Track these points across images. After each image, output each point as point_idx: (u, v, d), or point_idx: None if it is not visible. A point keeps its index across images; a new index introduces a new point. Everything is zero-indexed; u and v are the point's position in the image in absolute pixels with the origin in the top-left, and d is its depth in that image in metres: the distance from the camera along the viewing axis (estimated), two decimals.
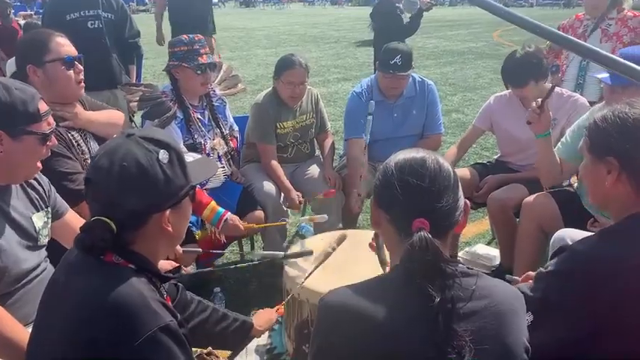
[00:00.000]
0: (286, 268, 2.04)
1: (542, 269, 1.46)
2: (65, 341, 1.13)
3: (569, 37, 1.10)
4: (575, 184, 2.67)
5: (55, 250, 1.74)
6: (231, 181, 2.97)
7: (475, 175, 3.06)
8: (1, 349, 1.45)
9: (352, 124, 3.21)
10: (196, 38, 2.80)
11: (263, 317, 1.93)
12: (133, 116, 3.91)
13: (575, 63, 3.61)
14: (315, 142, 3.41)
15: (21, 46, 2.33)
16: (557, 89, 2.95)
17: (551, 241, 2.18)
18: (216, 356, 1.82)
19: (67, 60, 2.16)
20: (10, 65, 4.37)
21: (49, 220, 1.81)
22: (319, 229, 2.88)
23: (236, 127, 3.13)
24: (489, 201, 2.84)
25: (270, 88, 3.19)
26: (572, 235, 2.04)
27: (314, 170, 3.21)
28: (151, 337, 1.10)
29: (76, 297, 1.15)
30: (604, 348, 1.30)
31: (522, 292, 1.28)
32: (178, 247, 2.17)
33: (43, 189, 1.80)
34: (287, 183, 3.02)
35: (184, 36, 2.84)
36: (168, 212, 1.22)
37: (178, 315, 1.22)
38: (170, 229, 1.23)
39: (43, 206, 1.78)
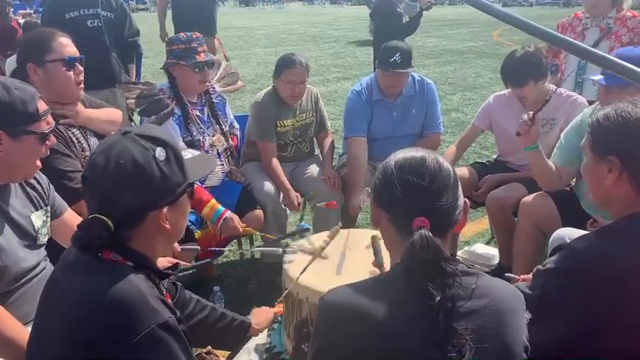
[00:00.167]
0: (285, 266, 2.04)
1: (540, 267, 1.46)
2: (63, 341, 1.13)
3: (566, 37, 1.10)
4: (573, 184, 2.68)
5: (54, 249, 1.74)
6: (231, 180, 2.97)
7: (474, 175, 3.06)
8: (0, 348, 1.45)
9: (352, 122, 3.21)
10: (194, 36, 2.79)
11: (260, 316, 1.93)
12: (132, 115, 3.91)
13: (573, 62, 3.61)
14: (315, 141, 3.41)
15: (24, 44, 2.34)
16: (556, 89, 2.96)
17: (550, 240, 2.18)
18: (216, 355, 1.82)
19: (68, 60, 2.16)
20: (10, 64, 4.37)
21: (48, 219, 1.81)
22: (318, 229, 2.88)
23: (236, 125, 3.13)
24: (488, 200, 2.84)
25: (270, 87, 3.19)
26: (570, 234, 2.04)
27: (313, 169, 3.21)
28: (150, 333, 1.09)
29: (74, 296, 1.15)
30: (604, 347, 1.31)
31: (521, 292, 1.28)
32: (177, 245, 2.17)
33: (42, 188, 1.80)
34: (287, 183, 3.01)
35: (182, 34, 2.83)
36: (165, 209, 1.22)
37: (177, 311, 1.22)
38: (168, 226, 1.23)
39: (42, 205, 1.78)
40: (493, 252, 3.13)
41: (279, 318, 2.07)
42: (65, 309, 1.15)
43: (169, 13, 5.78)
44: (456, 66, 10.94)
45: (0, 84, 1.56)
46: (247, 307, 2.07)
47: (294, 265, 2.01)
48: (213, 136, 2.88)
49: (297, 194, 3.00)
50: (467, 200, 1.23)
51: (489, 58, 11.74)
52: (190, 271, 2.62)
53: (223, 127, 2.95)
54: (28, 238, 1.70)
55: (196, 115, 2.83)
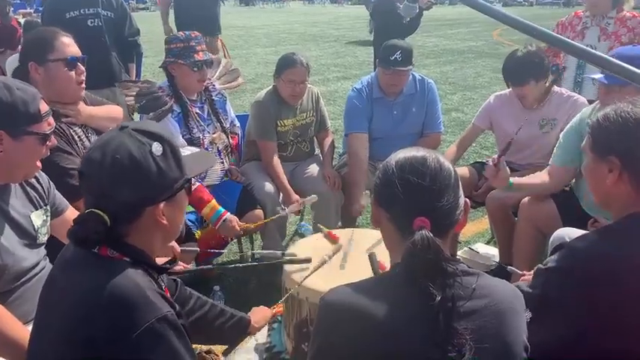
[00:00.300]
0: (285, 266, 2.04)
1: (540, 265, 1.46)
2: (63, 340, 1.13)
3: (564, 38, 1.09)
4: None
5: (54, 247, 1.74)
6: (231, 180, 2.97)
7: (474, 174, 3.07)
8: (1, 347, 1.45)
9: (353, 119, 3.21)
10: (193, 35, 2.78)
11: (258, 314, 1.94)
12: (133, 114, 3.91)
13: (573, 62, 3.60)
14: (315, 141, 3.41)
15: (26, 43, 2.34)
16: (557, 89, 2.96)
17: (550, 240, 2.18)
18: (216, 355, 1.82)
19: (69, 60, 2.16)
20: (10, 63, 4.37)
21: (48, 219, 1.81)
22: (318, 229, 2.88)
23: (237, 123, 3.13)
24: (488, 200, 2.84)
25: (270, 87, 3.19)
26: (571, 234, 2.04)
27: (313, 169, 3.21)
28: (149, 328, 1.09)
29: (72, 295, 1.15)
30: (604, 347, 1.31)
31: (521, 290, 1.28)
32: (177, 246, 2.17)
33: (42, 187, 1.80)
34: (287, 184, 3.01)
35: (181, 33, 2.82)
36: (162, 205, 1.22)
37: (177, 306, 1.21)
38: (165, 222, 1.23)
39: (42, 204, 1.79)
40: (493, 252, 3.13)
41: (279, 317, 2.07)
42: (64, 308, 1.15)
43: (171, 13, 5.77)
44: (457, 66, 10.93)
45: (2, 84, 1.57)
46: (247, 306, 2.07)
47: (295, 265, 2.01)
48: (213, 133, 2.88)
49: (298, 198, 2.95)
50: (467, 200, 1.23)
51: (489, 57, 11.73)
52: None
53: (224, 124, 2.95)
54: (28, 238, 1.71)
55: (196, 113, 2.83)
